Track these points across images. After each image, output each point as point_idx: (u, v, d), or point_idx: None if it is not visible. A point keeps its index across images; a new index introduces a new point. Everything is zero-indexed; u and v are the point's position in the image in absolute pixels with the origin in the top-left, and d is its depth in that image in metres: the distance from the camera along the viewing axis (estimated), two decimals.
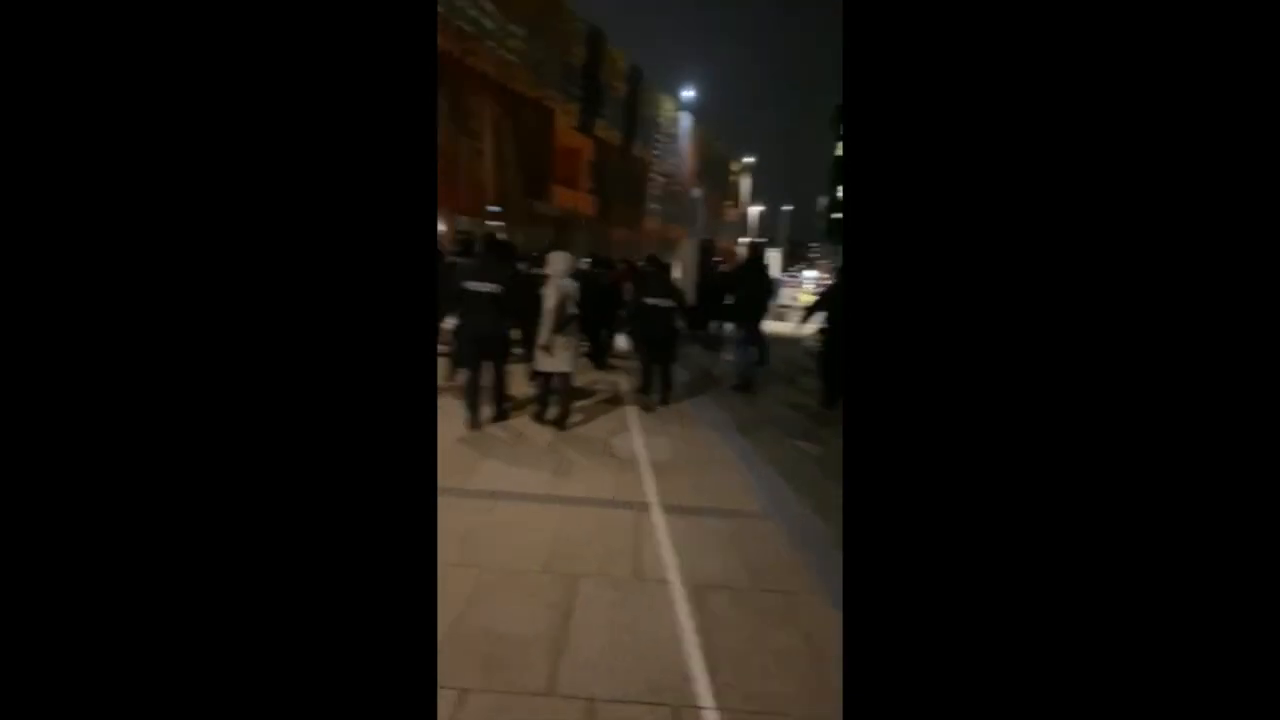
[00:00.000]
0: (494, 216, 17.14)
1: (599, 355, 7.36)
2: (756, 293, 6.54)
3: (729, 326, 7.83)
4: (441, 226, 15.75)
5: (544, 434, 4.58)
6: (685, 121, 35.57)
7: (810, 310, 6.18)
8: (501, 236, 6.19)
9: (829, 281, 6.69)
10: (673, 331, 5.45)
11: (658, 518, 3.29)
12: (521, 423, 4.75)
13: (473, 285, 4.24)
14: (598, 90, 23.04)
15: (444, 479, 3.54)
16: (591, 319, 7.53)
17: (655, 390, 5.49)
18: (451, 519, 3.02)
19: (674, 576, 2.67)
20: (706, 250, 16.81)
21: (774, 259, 19.47)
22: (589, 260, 8.88)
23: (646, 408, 5.39)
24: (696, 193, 37.20)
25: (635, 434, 4.79)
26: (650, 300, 5.44)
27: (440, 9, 14.55)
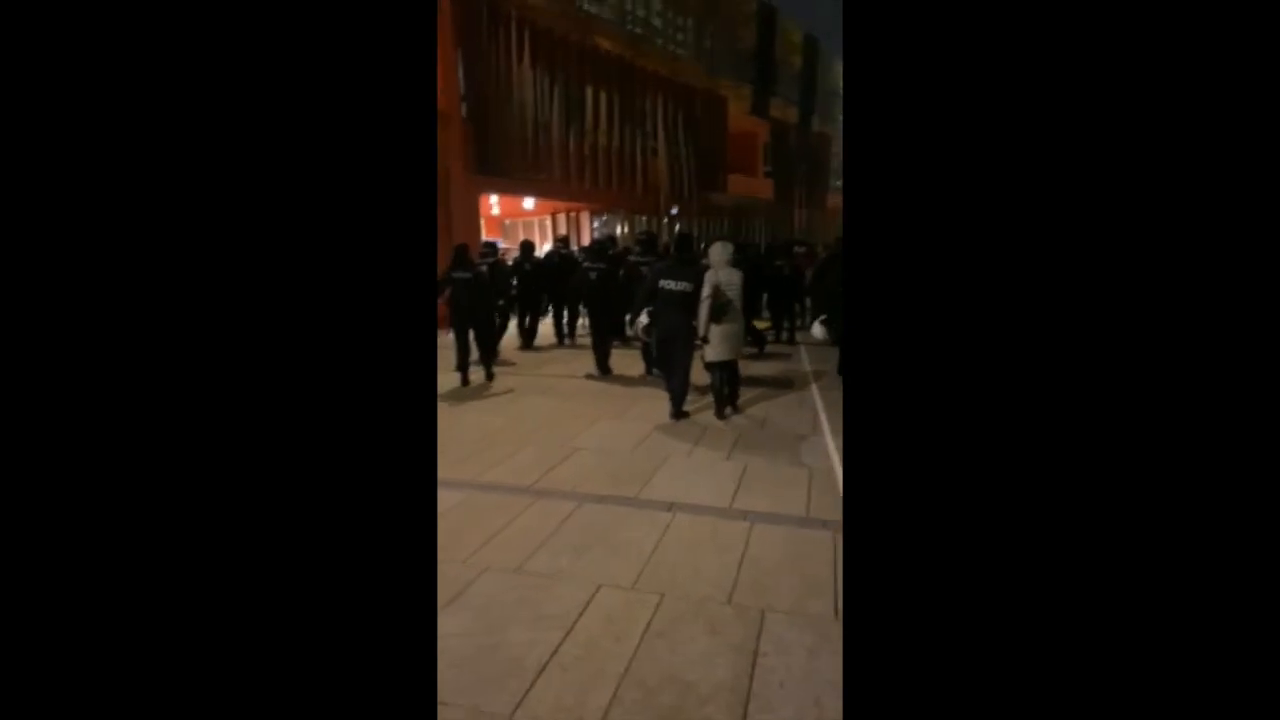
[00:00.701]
0: (673, 214, 17.30)
1: (774, 339, 7.86)
2: None
3: None
4: (625, 228, 16.26)
5: (727, 432, 4.38)
6: None
7: None
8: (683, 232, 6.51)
9: None
10: None
11: None
12: (704, 417, 4.85)
13: (666, 284, 4.49)
14: (770, 70, 22.09)
15: (622, 488, 3.45)
16: (773, 307, 8.31)
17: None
18: (626, 532, 2.90)
19: None
20: None
21: None
22: (760, 248, 9.10)
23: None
24: None
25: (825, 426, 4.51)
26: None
27: (608, 13, 14.97)
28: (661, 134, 16.53)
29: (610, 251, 7.23)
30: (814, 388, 5.77)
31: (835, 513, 3.11)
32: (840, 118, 29.56)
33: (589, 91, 14.08)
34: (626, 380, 6.26)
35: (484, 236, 14.87)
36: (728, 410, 4.77)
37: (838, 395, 5.29)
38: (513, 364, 7.03)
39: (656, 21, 16.80)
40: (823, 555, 2.70)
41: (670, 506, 3.24)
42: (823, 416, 4.80)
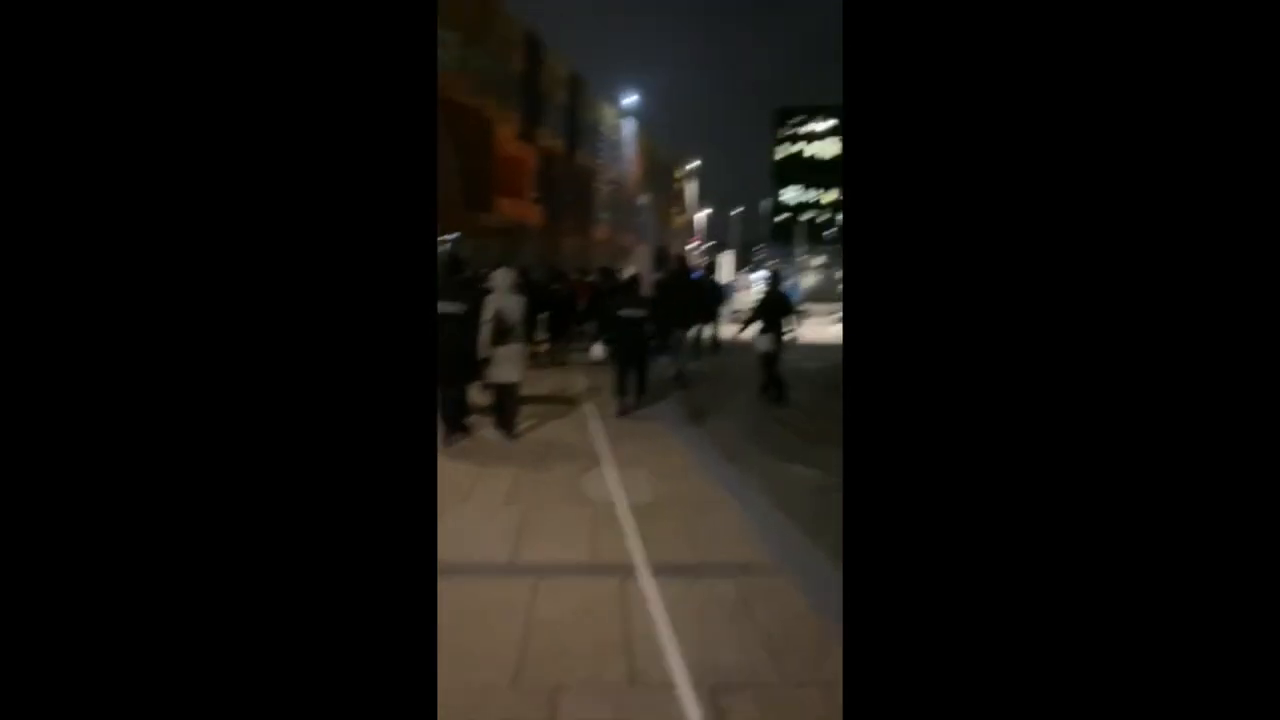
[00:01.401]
0: (440, 232, 16.28)
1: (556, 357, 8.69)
2: (684, 298, 7.73)
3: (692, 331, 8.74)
4: None
5: (503, 469, 4.01)
6: (629, 128, 35.35)
7: (749, 320, 6.82)
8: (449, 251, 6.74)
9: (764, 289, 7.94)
10: (645, 340, 5.93)
11: (646, 584, 2.72)
12: (487, 433, 4.97)
13: (440, 306, 4.40)
14: (538, 98, 22.43)
15: None
16: (553, 328, 8.94)
17: (630, 394, 5.82)
18: None
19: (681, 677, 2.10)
20: (661, 257, 16.43)
21: (726, 263, 19.32)
22: (542, 273, 10.05)
23: (623, 411, 5.71)
24: (644, 199, 36.99)
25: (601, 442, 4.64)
26: (625, 312, 5.82)
27: None
28: None
29: None
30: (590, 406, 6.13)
31: (622, 555, 2.97)
32: (601, 155, 31.27)
33: None
34: None
35: None
36: (506, 431, 4.90)
37: (612, 417, 5.70)
38: None
39: None
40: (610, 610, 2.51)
41: (445, 571, 2.78)
42: (603, 443, 4.72)
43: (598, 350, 7.79)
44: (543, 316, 8.68)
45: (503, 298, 4.64)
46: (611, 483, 3.95)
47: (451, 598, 2.52)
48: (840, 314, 15.41)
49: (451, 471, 4.03)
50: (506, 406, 4.83)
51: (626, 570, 2.82)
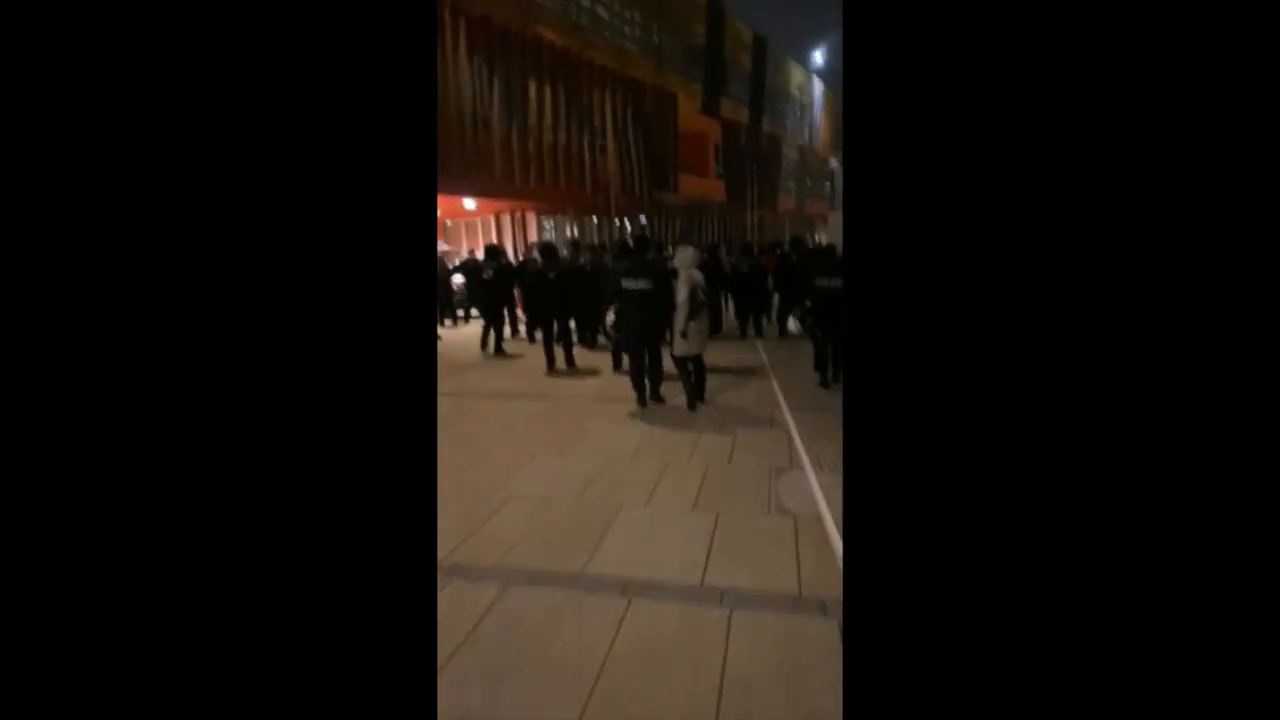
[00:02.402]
0: (624, 213, 16.59)
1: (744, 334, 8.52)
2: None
3: None
4: (574, 230, 15.46)
5: (693, 462, 3.71)
6: (818, 88, 33.02)
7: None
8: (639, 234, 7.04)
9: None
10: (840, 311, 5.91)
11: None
12: (675, 399, 5.24)
13: (628, 283, 4.82)
14: (721, 68, 21.70)
15: (563, 559, 2.70)
16: (740, 307, 8.84)
17: (830, 367, 5.70)
18: (563, 636, 2.16)
19: None
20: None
21: None
22: (736, 254, 9.60)
23: (823, 384, 5.67)
24: (834, 164, 34.40)
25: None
26: (822, 282, 5.56)
27: (551, 2, 14.17)
28: (610, 130, 15.81)
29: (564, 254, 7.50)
30: (774, 383, 5.95)
31: (835, 586, 2.44)
32: (788, 120, 29.60)
33: (532, 84, 13.22)
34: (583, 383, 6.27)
35: None
36: (698, 404, 5.08)
37: (799, 391, 5.57)
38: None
39: (603, 13, 16.08)
40: (823, 657, 2.02)
41: (625, 588, 2.51)
42: (791, 423, 4.18)
43: (792, 323, 7.84)
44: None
45: (694, 274, 4.88)
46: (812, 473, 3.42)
47: (636, 624, 2.21)
48: None
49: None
50: (695, 377, 5.06)
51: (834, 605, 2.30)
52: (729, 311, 9.08)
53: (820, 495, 3.29)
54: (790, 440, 4.22)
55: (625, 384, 5.36)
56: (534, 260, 7.29)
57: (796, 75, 30.68)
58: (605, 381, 6.26)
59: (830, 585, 2.45)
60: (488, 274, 7.84)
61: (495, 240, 14.36)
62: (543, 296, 6.61)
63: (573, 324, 7.01)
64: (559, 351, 6.74)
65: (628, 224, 17.21)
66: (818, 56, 29.55)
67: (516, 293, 8.01)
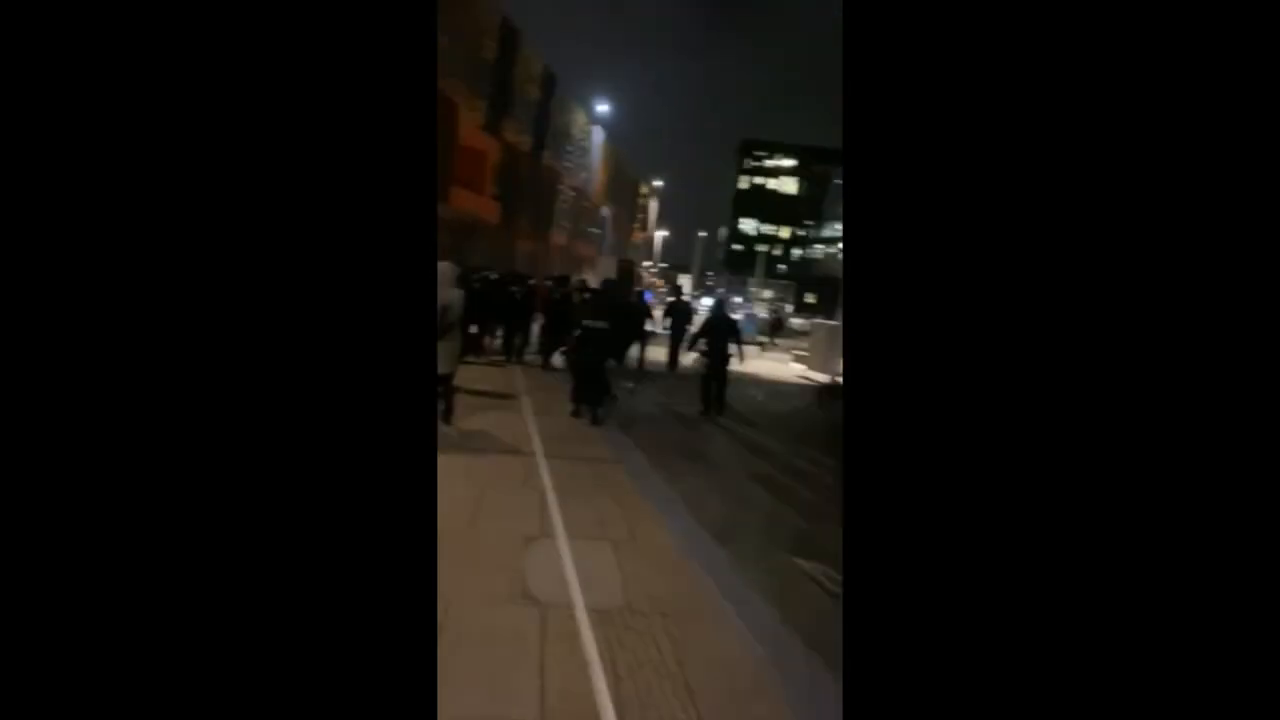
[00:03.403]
0: None
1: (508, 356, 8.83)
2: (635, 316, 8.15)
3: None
4: None
5: None
6: (597, 136, 34.57)
7: (694, 340, 7.16)
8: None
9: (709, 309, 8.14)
10: (607, 352, 6.09)
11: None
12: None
13: None
14: (509, 89, 21.27)
15: None
16: (507, 328, 9.14)
17: (586, 410, 5.88)
18: None
19: None
20: (625, 272, 15.57)
21: (685, 283, 18.61)
22: (502, 273, 10.09)
23: (595, 421, 5.79)
24: (606, 211, 36.10)
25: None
26: (589, 323, 5.93)
27: None
28: None
29: None
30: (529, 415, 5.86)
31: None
32: (567, 160, 30.34)
33: None
34: None
35: None
36: (443, 421, 4.91)
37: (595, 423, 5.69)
38: None
39: None
40: None
41: None
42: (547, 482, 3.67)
43: (557, 358, 8.18)
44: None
45: (445, 291, 4.59)
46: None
47: None
48: (797, 352, 14.92)
49: None
50: (444, 397, 4.84)
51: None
52: (497, 338, 9.31)
53: (573, 574, 2.78)
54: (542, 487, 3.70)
55: None
56: None
57: (580, 118, 31.70)
58: None
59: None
60: None
61: None
62: None
63: None
64: None
65: None
66: (601, 106, 30.90)
67: None
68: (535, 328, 9.21)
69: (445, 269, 4.74)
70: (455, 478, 3.65)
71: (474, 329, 7.80)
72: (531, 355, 8.98)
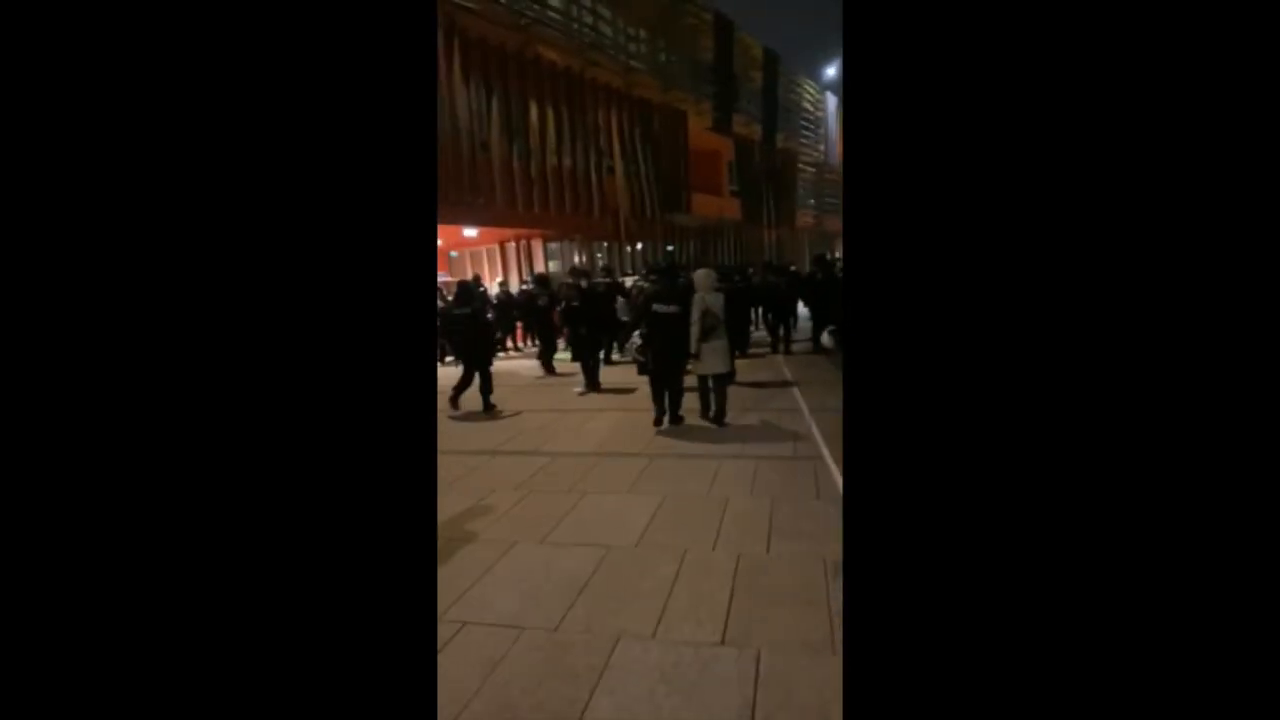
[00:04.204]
0: (634, 237, 15.85)
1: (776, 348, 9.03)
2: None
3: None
4: (581, 258, 14.72)
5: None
6: (831, 102, 32.33)
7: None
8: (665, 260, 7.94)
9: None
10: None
11: None
12: (692, 419, 5.26)
13: (658, 307, 5.04)
14: (731, 83, 21.06)
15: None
16: (770, 320, 9.33)
17: None
18: None
19: None
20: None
21: None
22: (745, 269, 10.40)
23: None
24: None
25: None
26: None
27: (558, 25, 13.63)
28: (617, 151, 15.15)
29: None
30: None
31: None
32: (802, 136, 28.86)
33: (533, 106, 12.62)
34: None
35: None
36: (716, 421, 5.15)
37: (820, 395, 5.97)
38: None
39: (607, 30, 15.52)
40: None
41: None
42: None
43: (826, 338, 8.21)
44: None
45: (707, 296, 4.93)
46: None
47: None
48: None
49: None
50: (715, 398, 5.10)
51: None
52: (761, 328, 9.54)
53: None
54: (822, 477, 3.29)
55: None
56: (566, 286, 7.99)
57: (809, 90, 30.02)
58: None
59: None
60: (542, 301, 8.66)
61: (501, 271, 13.68)
62: (583, 319, 7.13)
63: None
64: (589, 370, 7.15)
65: (638, 248, 16.46)
66: (830, 71, 28.82)
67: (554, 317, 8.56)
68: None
69: (702, 276, 5.07)
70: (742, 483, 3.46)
71: (753, 327, 8.61)
72: (799, 343, 9.15)
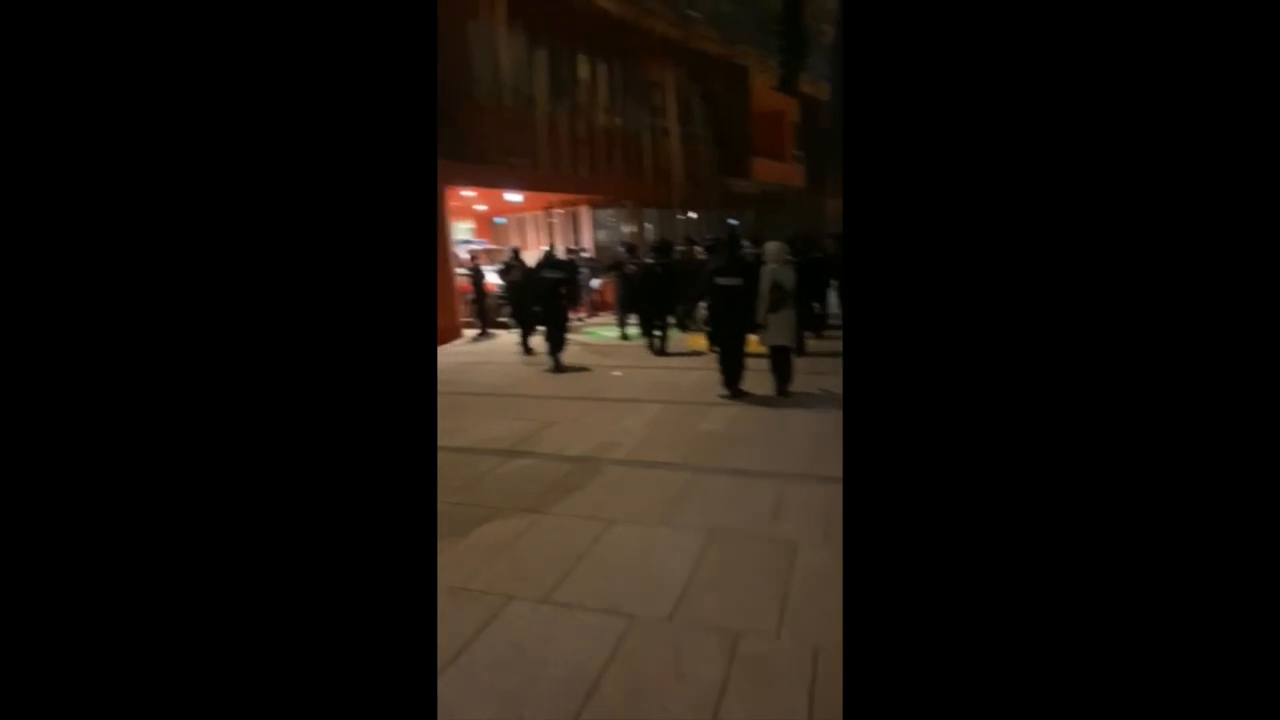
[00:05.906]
0: (689, 204, 14.78)
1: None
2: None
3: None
4: (630, 227, 13.77)
5: None
6: None
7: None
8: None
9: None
10: None
11: None
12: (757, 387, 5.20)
13: (721, 280, 5.04)
14: (799, 38, 19.39)
15: None
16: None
17: None
18: None
19: None
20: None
21: None
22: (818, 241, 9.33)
23: None
24: None
25: None
26: None
27: None
28: (673, 111, 14.00)
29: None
30: None
31: None
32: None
33: (582, 58, 11.63)
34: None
35: (470, 236, 12.61)
36: (781, 391, 5.19)
37: None
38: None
39: None
40: None
41: None
42: None
43: None
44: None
45: (777, 270, 4.97)
46: None
47: None
48: None
49: None
50: (781, 368, 5.18)
51: None
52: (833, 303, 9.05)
53: None
54: None
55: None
56: (622, 256, 8.12)
57: None
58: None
59: None
60: (630, 269, 8.43)
61: (548, 239, 12.92)
62: (654, 290, 7.50)
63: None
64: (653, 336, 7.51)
65: (691, 216, 15.38)
66: None
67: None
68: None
69: (774, 249, 5.15)
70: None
71: (816, 306, 7.64)
72: None
